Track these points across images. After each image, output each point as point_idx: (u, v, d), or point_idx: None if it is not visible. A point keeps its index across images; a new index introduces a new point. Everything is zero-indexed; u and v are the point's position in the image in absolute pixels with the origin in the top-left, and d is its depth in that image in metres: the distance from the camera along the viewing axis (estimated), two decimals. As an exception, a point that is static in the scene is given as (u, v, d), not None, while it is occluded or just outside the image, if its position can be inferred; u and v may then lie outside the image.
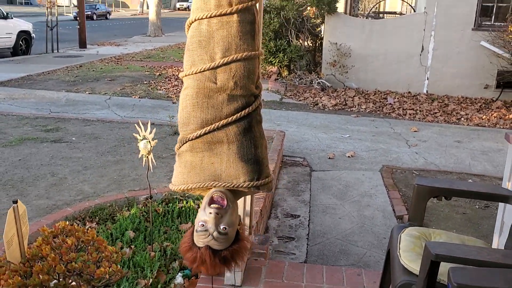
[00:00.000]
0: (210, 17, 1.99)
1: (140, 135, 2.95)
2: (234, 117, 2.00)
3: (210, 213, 1.93)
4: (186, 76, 2.07)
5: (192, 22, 2.06)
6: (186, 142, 2.06)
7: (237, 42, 1.99)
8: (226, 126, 2.01)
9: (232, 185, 2.06)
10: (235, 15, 1.98)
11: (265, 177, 2.12)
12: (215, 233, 1.92)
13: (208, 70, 2.01)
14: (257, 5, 2.11)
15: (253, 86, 2.08)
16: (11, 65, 12.06)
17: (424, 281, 1.69)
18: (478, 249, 1.70)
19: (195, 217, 3.42)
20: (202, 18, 2.01)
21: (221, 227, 1.93)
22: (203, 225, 1.93)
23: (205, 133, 2.01)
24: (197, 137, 2.03)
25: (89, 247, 2.25)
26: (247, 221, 2.87)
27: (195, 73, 2.02)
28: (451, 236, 2.14)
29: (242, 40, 2.00)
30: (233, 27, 1.99)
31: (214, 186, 2.07)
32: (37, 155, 4.92)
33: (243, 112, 2.02)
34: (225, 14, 1.98)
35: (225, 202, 1.99)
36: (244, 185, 2.06)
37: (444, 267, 1.70)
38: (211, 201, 1.99)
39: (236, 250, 2.02)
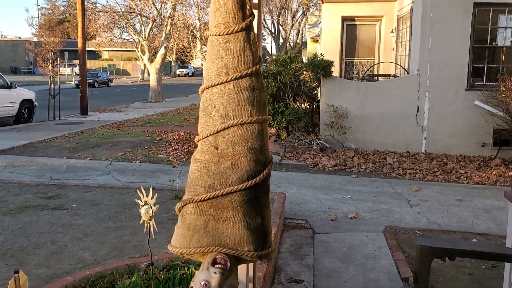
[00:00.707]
0: (212, 86, 2.07)
1: (141, 201, 2.97)
2: (240, 186, 2.02)
3: (215, 273, 1.90)
4: (198, 141, 2.14)
5: (201, 93, 2.16)
6: (191, 202, 2.07)
7: (234, 109, 2.06)
8: (231, 193, 2.02)
9: (236, 253, 2.04)
10: (232, 83, 2.07)
11: (268, 247, 2.11)
12: None
13: (210, 135, 2.07)
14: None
15: (255, 153, 2.08)
16: (13, 133, 12.23)
17: None
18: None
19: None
20: (207, 88, 2.10)
21: None
22: (206, 285, 1.89)
23: (210, 198, 2.03)
24: (202, 200, 2.04)
25: (90, 318, 2.20)
26: (250, 286, 2.82)
27: (202, 138, 2.09)
28: (458, 298, 2.11)
29: (239, 107, 2.07)
30: (230, 95, 2.07)
31: (219, 252, 2.06)
32: (38, 223, 4.89)
33: (249, 182, 2.03)
34: (222, 83, 2.07)
35: (228, 264, 1.97)
36: (249, 254, 2.05)
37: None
38: (214, 261, 1.97)
39: None
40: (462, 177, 8.06)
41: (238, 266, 2.42)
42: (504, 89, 8.64)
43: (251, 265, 2.76)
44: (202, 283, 1.90)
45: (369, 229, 5.35)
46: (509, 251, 2.20)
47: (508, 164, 8.79)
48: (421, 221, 5.70)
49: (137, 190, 3.00)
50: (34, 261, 3.91)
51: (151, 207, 2.98)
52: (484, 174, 8.16)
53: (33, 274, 3.61)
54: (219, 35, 2.05)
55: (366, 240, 5.00)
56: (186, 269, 3.56)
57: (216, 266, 1.93)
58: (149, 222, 2.97)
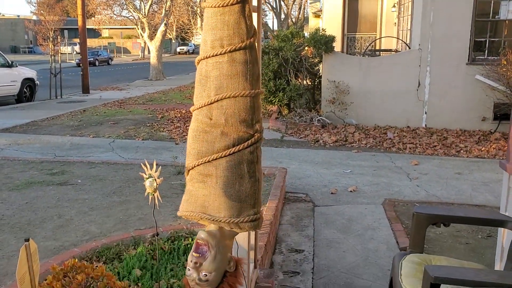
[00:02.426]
0: (207, 57, 2.12)
1: (146, 174, 3.04)
2: (224, 152, 2.10)
3: (190, 260, 2.03)
4: (193, 111, 2.21)
5: (197, 65, 2.20)
6: (188, 171, 2.18)
7: (228, 82, 2.12)
8: (217, 160, 2.11)
9: (213, 219, 2.12)
10: (226, 56, 2.11)
11: (246, 215, 2.16)
12: (197, 279, 2.01)
13: (205, 106, 2.14)
14: (256, 44, 2.24)
15: (246, 125, 2.15)
16: (16, 112, 12.29)
17: (425, 304, 1.74)
18: (475, 271, 1.76)
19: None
20: (202, 59, 2.15)
21: (202, 273, 2.01)
22: (189, 270, 2.03)
23: (198, 164, 2.12)
24: (193, 167, 2.14)
25: (98, 283, 2.30)
26: (252, 255, 2.92)
27: (197, 108, 2.16)
28: (451, 261, 2.20)
29: (233, 80, 2.12)
30: (224, 68, 2.12)
31: (201, 218, 2.15)
32: (44, 198, 4.99)
33: (233, 149, 2.11)
34: (217, 55, 2.11)
35: (206, 249, 2.05)
36: (223, 220, 2.11)
37: (445, 291, 1.75)
38: (195, 246, 2.07)
39: None
40: (461, 151, 8.13)
41: (240, 234, 2.51)
42: (505, 63, 8.63)
43: (252, 234, 2.85)
44: (187, 267, 2.04)
45: (369, 202, 5.45)
46: (502, 216, 2.28)
47: (508, 138, 8.83)
48: (420, 194, 5.80)
49: (142, 164, 3.08)
50: (42, 234, 4.02)
51: (155, 179, 3.06)
52: (483, 148, 8.23)
53: (41, 246, 3.71)
54: (215, 7, 2.08)
55: (366, 212, 5.10)
56: (190, 240, 3.66)
57: (193, 254, 2.03)
58: (153, 194, 3.06)
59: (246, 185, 2.15)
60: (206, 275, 2.01)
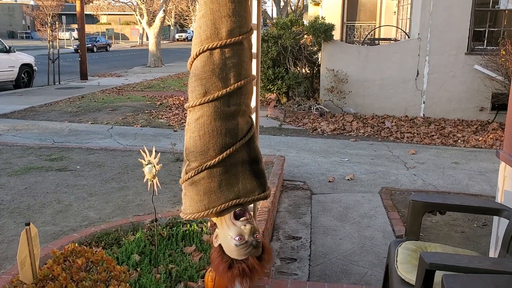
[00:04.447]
0: (223, 46, 2.08)
1: (145, 160, 3.07)
2: (248, 135, 2.15)
3: (245, 225, 2.05)
4: (200, 105, 2.09)
5: (201, 52, 2.10)
6: (204, 170, 2.11)
7: (245, 67, 2.15)
8: (241, 147, 2.14)
9: (250, 199, 2.19)
10: (244, 42, 2.14)
11: (268, 187, 2.30)
12: (254, 242, 2.04)
13: (224, 96, 2.10)
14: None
15: (251, 103, 2.27)
16: (14, 98, 12.26)
17: (420, 290, 1.78)
18: (470, 257, 1.79)
19: (199, 240, 3.51)
20: (214, 48, 2.08)
21: (255, 235, 2.06)
22: (241, 238, 2.03)
23: (224, 157, 2.10)
24: (218, 162, 2.10)
25: (98, 267, 2.33)
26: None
27: (211, 100, 2.07)
28: (446, 248, 2.23)
29: (248, 64, 2.19)
30: (243, 54, 2.14)
31: (235, 204, 2.17)
32: (43, 183, 5.01)
33: (251, 131, 2.17)
34: (236, 43, 2.10)
35: (247, 214, 2.13)
36: (260, 197, 2.22)
37: (439, 277, 1.78)
38: (236, 215, 2.10)
39: (267, 252, 2.17)
40: (459, 141, 8.16)
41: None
42: (504, 53, 8.63)
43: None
44: (237, 238, 2.04)
45: (366, 190, 5.49)
46: (495, 204, 2.32)
47: (505, 128, 8.86)
48: (417, 183, 5.84)
49: (141, 150, 3.10)
50: (41, 219, 4.05)
51: (154, 166, 3.08)
52: (481, 137, 8.26)
53: (40, 231, 3.72)
54: None
55: (362, 200, 5.14)
56: (188, 226, 3.70)
57: (241, 219, 2.08)
58: (152, 181, 3.08)
59: (261, 160, 2.27)
60: (257, 235, 2.06)
